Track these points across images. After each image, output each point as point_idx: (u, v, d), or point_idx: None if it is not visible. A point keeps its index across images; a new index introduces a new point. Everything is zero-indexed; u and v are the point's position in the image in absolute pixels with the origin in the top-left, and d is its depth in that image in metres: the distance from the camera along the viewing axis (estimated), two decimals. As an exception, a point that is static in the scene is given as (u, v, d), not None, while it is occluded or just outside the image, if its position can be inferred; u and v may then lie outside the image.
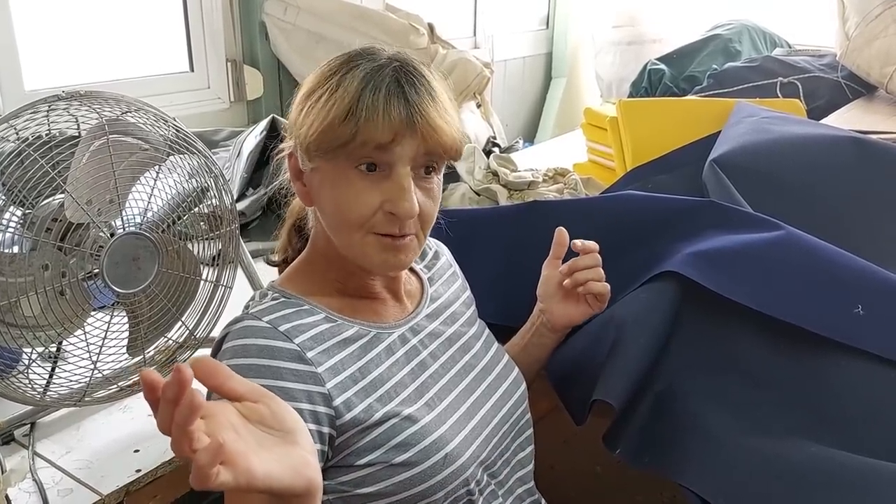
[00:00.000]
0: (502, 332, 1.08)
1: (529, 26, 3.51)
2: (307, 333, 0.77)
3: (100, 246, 0.89)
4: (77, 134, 0.90)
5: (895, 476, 0.83)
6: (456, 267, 1.02)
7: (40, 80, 1.73)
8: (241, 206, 1.55)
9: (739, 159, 1.31)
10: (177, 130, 0.98)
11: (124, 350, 0.97)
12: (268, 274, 1.02)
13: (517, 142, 2.54)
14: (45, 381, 0.92)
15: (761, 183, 1.27)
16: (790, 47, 2.93)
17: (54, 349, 0.94)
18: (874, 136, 1.52)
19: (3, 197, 0.86)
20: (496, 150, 2.10)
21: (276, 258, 0.97)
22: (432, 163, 0.79)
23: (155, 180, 0.95)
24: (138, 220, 0.94)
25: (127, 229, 0.92)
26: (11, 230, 0.86)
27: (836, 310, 0.98)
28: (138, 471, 0.90)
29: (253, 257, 1.19)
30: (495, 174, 1.59)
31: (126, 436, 0.97)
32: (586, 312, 1.00)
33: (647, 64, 2.72)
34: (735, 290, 0.98)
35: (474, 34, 3.15)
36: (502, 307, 1.13)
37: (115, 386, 0.98)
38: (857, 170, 1.33)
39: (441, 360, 0.87)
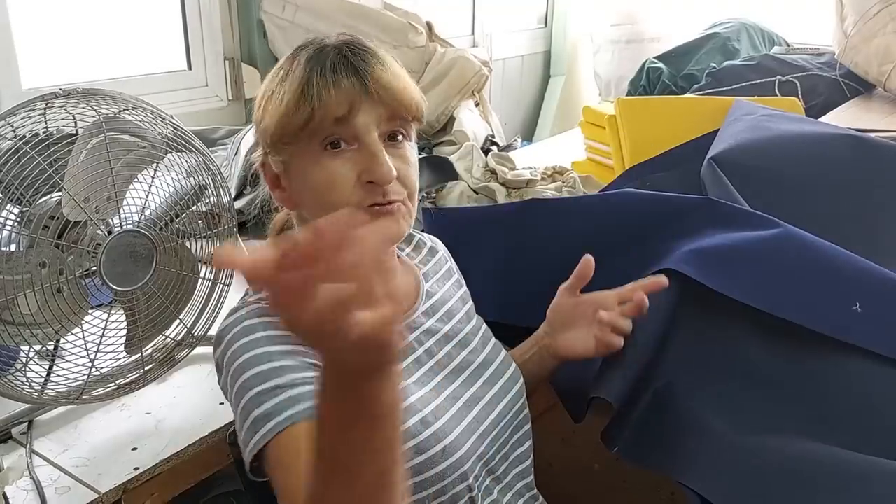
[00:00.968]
0: (500, 329, 1.08)
1: (528, 24, 3.51)
2: None
3: (97, 244, 0.89)
4: (74, 131, 0.90)
5: (892, 472, 0.83)
6: (452, 263, 1.02)
7: (38, 78, 1.73)
8: (238, 204, 1.54)
9: (737, 157, 1.31)
10: (174, 128, 0.98)
11: (122, 348, 0.97)
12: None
13: (515, 140, 2.54)
14: (42, 379, 0.92)
15: (759, 181, 1.27)
16: (788, 45, 2.93)
17: (52, 347, 0.94)
18: (872, 134, 1.52)
19: (1, 195, 0.86)
20: (494, 148, 2.10)
21: None
22: (398, 129, 0.79)
23: (153, 178, 0.95)
24: (136, 217, 0.94)
25: (124, 227, 0.92)
26: (9, 228, 0.86)
27: (833, 307, 0.98)
28: (136, 469, 0.90)
29: (251, 255, 1.19)
30: (494, 172, 1.59)
31: (124, 434, 0.96)
32: (588, 353, 0.95)
33: (645, 62, 2.72)
34: (733, 288, 0.98)
35: (472, 32, 3.14)
36: (500, 305, 1.13)
37: (113, 384, 0.98)
38: (855, 168, 1.34)
39: (438, 357, 0.87)
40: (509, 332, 1.12)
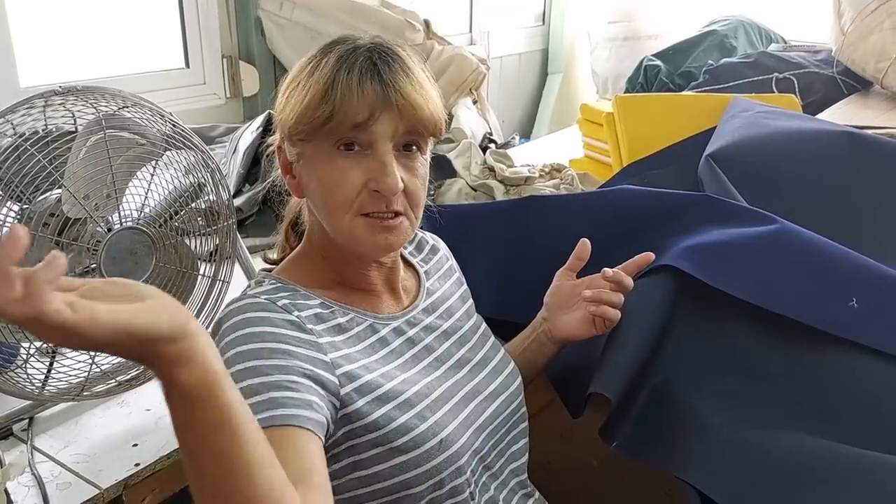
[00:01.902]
0: (499, 326, 1.09)
1: (525, 22, 3.51)
2: (305, 312, 0.78)
3: (97, 241, 0.90)
4: (74, 129, 0.90)
5: (891, 467, 0.83)
6: (453, 261, 1.02)
7: (35, 76, 1.73)
8: (237, 201, 1.55)
9: (735, 154, 1.32)
10: (174, 126, 0.98)
11: (122, 345, 0.97)
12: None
13: (513, 138, 2.54)
14: (43, 376, 0.92)
15: (757, 177, 1.27)
16: (786, 43, 2.94)
17: (52, 344, 0.94)
18: (869, 131, 1.52)
19: (1, 192, 0.86)
20: (492, 145, 2.10)
21: (274, 256, 0.97)
22: (414, 141, 0.80)
23: (152, 175, 0.95)
24: (135, 215, 0.94)
25: (124, 224, 0.92)
26: (8, 225, 0.86)
27: (830, 303, 0.98)
28: (137, 465, 0.90)
29: (250, 253, 1.19)
30: (492, 170, 1.60)
31: (124, 430, 0.97)
32: (590, 332, 0.96)
33: (642, 60, 2.73)
34: (730, 284, 0.98)
35: (470, 30, 3.14)
36: (499, 302, 1.14)
37: (114, 380, 0.98)
38: (852, 165, 1.34)
39: (436, 353, 0.87)
40: (508, 328, 1.12)
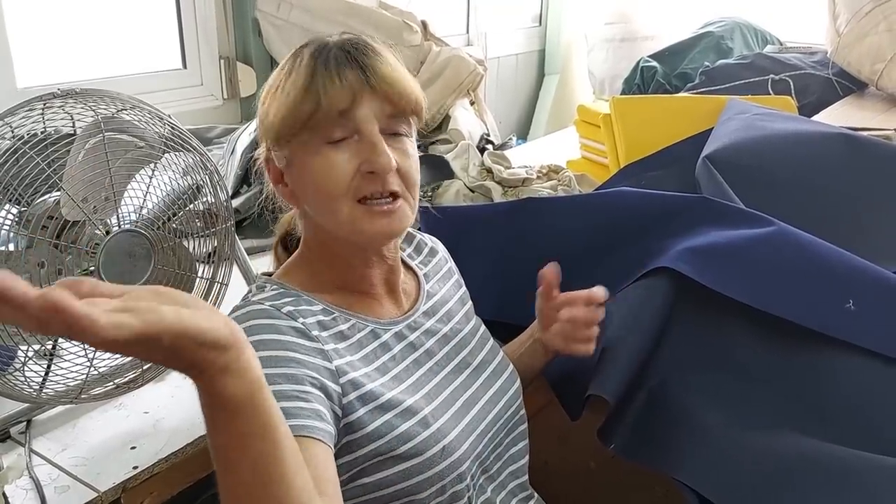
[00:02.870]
0: (498, 328, 1.09)
1: (522, 23, 3.51)
2: (310, 318, 0.78)
3: (96, 243, 0.90)
4: (73, 132, 0.90)
5: (886, 469, 0.84)
6: (452, 264, 1.02)
7: (33, 77, 1.73)
8: (235, 203, 1.54)
9: (732, 156, 1.32)
10: (172, 128, 0.98)
11: (120, 347, 0.97)
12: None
13: (511, 139, 2.54)
14: (41, 379, 0.92)
15: (753, 179, 1.28)
16: (781, 44, 2.94)
17: (50, 346, 0.94)
18: (864, 133, 1.53)
19: (-1, 195, 0.86)
20: (490, 147, 2.10)
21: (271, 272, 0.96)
22: (399, 125, 0.80)
23: (150, 178, 0.95)
24: (134, 217, 0.94)
25: (123, 227, 0.92)
26: (7, 228, 0.86)
27: (827, 305, 0.99)
28: (135, 468, 0.90)
29: (248, 254, 1.19)
30: (489, 171, 1.60)
31: (122, 433, 0.97)
32: (573, 351, 0.96)
33: (639, 61, 2.73)
34: (728, 286, 0.98)
35: (467, 31, 3.14)
36: (497, 303, 1.14)
37: (112, 383, 0.98)
38: (848, 166, 1.35)
39: (437, 358, 0.87)
40: (507, 330, 1.12)
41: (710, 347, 0.99)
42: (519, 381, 0.95)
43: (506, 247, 1.21)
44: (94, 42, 1.91)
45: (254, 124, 1.72)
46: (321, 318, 0.79)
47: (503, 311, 1.13)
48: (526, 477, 0.93)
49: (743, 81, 2.31)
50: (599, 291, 0.93)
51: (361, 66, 0.77)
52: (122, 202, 0.93)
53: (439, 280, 0.97)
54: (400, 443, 0.76)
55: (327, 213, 0.80)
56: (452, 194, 1.56)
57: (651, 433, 0.93)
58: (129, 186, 0.93)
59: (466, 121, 2.22)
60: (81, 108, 0.91)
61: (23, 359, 0.91)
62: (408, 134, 0.82)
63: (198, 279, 1.03)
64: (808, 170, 1.33)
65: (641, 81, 2.67)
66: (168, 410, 1.01)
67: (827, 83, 2.40)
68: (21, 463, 0.90)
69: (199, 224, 1.03)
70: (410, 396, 0.80)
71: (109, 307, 0.45)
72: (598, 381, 0.93)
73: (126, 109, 0.94)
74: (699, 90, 2.33)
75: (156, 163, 0.96)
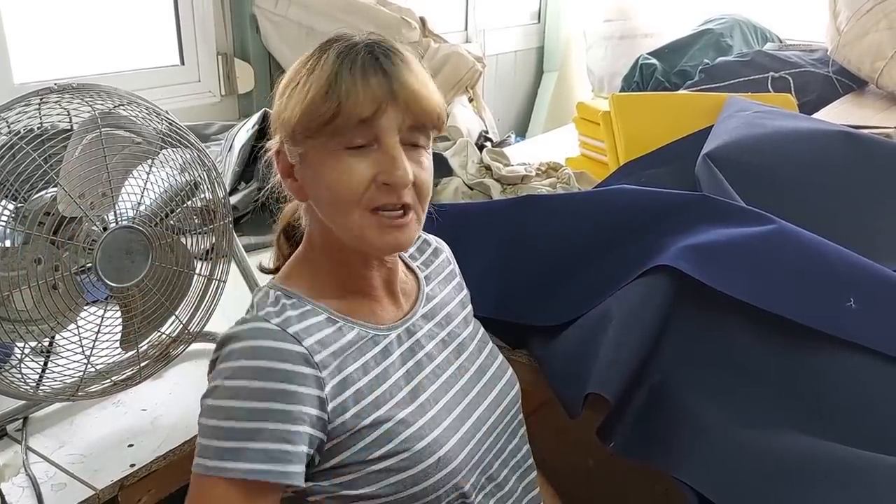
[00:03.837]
0: (496, 326, 1.09)
1: (521, 20, 3.51)
2: (314, 336, 0.76)
3: (93, 240, 0.89)
4: (69, 127, 0.89)
5: (886, 467, 0.84)
6: (455, 266, 1.01)
7: (30, 72, 1.72)
8: (233, 200, 1.54)
9: (732, 154, 1.32)
10: (170, 124, 0.97)
11: (117, 344, 0.97)
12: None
13: (509, 136, 2.54)
14: (37, 376, 0.92)
15: (753, 177, 1.27)
16: (781, 42, 2.94)
17: (47, 343, 0.94)
18: (865, 131, 1.52)
19: (-5, 190, 0.85)
20: (489, 144, 2.10)
21: (270, 265, 0.95)
22: (418, 138, 0.79)
23: (148, 174, 0.95)
24: (131, 213, 0.93)
25: (120, 223, 0.92)
26: (3, 224, 0.86)
27: (828, 303, 0.98)
28: (132, 465, 0.90)
29: (246, 251, 1.19)
30: (488, 168, 1.59)
31: (120, 430, 0.96)
32: None
33: (638, 58, 2.72)
34: (728, 284, 0.98)
35: (466, 28, 3.14)
36: (495, 302, 1.13)
37: (109, 380, 0.98)
38: (849, 164, 1.34)
39: (436, 362, 0.86)
40: (505, 328, 1.12)
41: (710, 346, 0.98)
42: (518, 385, 0.94)
43: (504, 245, 1.21)
44: (92, 37, 1.91)
45: (252, 120, 1.71)
46: (326, 332, 0.78)
47: (501, 310, 1.12)
48: (535, 474, 0.93)
49: (743, 79, 2.30)
50: None
51: (388, 74, 0.75)
52: (120, 198, 0.92)
53: (440, 282, 0.96)
54: (391, 456, 0.75)
55: (337, 217, 0.79)
56: (451, 192, 1.55)
57: (651, 431, 0.93)
58: (126, 182, 0.93)
59: (465, 118, 2.21)
60: (78, 103, 0.90)
61: (19, 356, 0.91)
62: (426, 146, 0.80)
63: (195, 276, 1.03)
64: (809, 168, 1.32)
65: (641, 79, 2.67)
66: (166, 408, 1.01)
67: (827, 81, 2.40)
68: (18, 460, 0.90)
69: (196, 221, 1.03)
70: (406, 407, 0.79)
71: None
72: (598, 379, 0.92)
73: (123, 105, 0.94)
74: (699, 88, 2.32)
75: (153, 159, 0.95)
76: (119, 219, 0.92)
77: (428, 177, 0.80)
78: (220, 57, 2.13)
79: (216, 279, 1.06)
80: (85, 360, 0.93)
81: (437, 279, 0.95)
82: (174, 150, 0.99)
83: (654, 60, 2.68)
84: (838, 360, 0.95)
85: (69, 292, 0.88)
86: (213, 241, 1.04)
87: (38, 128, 0.88)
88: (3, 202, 0.86)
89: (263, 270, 0.95)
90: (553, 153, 1.86)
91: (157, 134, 0.95)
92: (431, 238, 1.01)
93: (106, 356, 0.96)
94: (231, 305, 1.08)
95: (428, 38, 2.32)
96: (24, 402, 0.96)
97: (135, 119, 0.94)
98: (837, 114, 2.14)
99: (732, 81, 2.29)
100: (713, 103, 1.59)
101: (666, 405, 0.94)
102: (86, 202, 0.87)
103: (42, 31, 1.79)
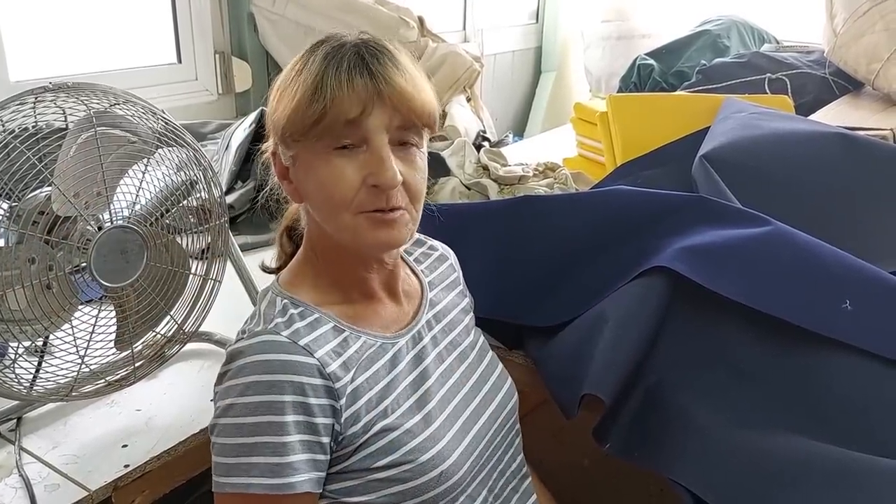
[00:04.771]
0: (494, 327, 1.08)
1: (519, 20, 3.51)
2: (325, 347, 0.76)
3: (87, 239, 0.89)
4: (64, 126, 0.89)
5: (881, 470, 0.84)
6: (459, 273, 1.01)
7: (26, 71, 1.72)
8: (229, 199, 1.54)
9: (728, 155, 1.31)
10: (165, 123, 0.97)
11: (112, 344, 0.96)
12: (258, 269, 1.01)
13: (507, 136, 2.54)
14: (31, 376, 0.92)
15: (750, 178, 1.27)
16: (778, 43, 2.94)
17: (41, 343, 0.93)
18: (861, 133, 1.53)
19: (-11, 189, 0.85)
20: (486, 143, 2.10)
21: (272, 265, 0.94)
22: (409, 136, 0.78)
23: (143, 173, 0.95)
24: (126, 213, 0.93)
25: (115, 222, 0.91)
26: (-3, 223, 0.85)
27: (823, 305, 0.98)
28: (126, 466, 0.89)
29: (242, 251, 1.18)
30: (486, 168, 1.59)
31: (114, 431, 0.96)
32: None
33: (636, 59, 2.72)
34: (724, 286, 0.98)
35: (464, 28, 3.14)
36: (493, 302, 1.13)
37: (103, 380, 0.97)
38: (845, 166, 1.34)
39: (441, 370, 0.86)
40: (503, 328, 1.12)
41: (706, 347, 0.98)
42: (517, 395, 0.94)
43: (502, 245, 1.20)
44: (88, 36, 1.90)
45: (249, 119, 1.71)
46: (335, 341, 0.77)
47: (498, 310, 1.12)
48: (529, 480, 0.93)
49: (739, 80, 2.30)
50: None
51: (374, 74, 0.74)
52: (115, 198, 0.92)
53: (444, 289, 0.95)
54: (395, 467, 0.75)
55: (330, 219, 0.79)
56: (448, 192, 1.55)
57: (646, 432, 0.93)
58: (121, 182, 0.93)
59: (463, 118, 2.21)
60: (73, 102, 0.90)
61: (13, 356, 0.90)
62: (418, 144, 0.79)
63: (191, 276, 1.02)
64: (805, 169, 1.32)
65: (638, 79, 2.67)
66: (160, 408, 1.01)
67: (823, 82, 2.40)
68: (11, 461, 0.90)
69: (192, 220, 1.02)
70: (412, 416, 0.79)
71: None
72: (594, 380, 0.92)
73: (119, 104, 0.93)
74: (696, 89, 2.32)
75: (149, 158, 0.95)
76: (114, 218, 0.92)
77: (420, 177, 0.79)
78: (217, 55, 2.13)
79: (212, 279, 1.05)
80: (79, 360, 0.92)
81: (440, 285, 0.95)
82: (170, 149, 0.98)
83: (651, 61, 2.68)
84: (833, 362, 0.95)
85: (63, 292, 0.88)
86: (209, 240, 1.04)
87: (34, 126, 0.87)
88: (-2, 201, 0.86)
89: (265, 270, 0.94)
90: (550, 153, 1.86)
91: (152, 133, 0.95)
92: (437, 244, 1.01)
93: (100, 356, 0.95)
94: (226, 305, 1.07)
95: (426, 38, 2.32)
96: (17, 402, 0.96)
97: (130, 118, 0.94)
98: (834, 115, 2.14)
99: (729, 82, 2.29)
100: (710, 104, 1.59)
101: (661, 406, 0.94)
102: (80, 201, 0.87)
103: (38, 29, 1.79)
